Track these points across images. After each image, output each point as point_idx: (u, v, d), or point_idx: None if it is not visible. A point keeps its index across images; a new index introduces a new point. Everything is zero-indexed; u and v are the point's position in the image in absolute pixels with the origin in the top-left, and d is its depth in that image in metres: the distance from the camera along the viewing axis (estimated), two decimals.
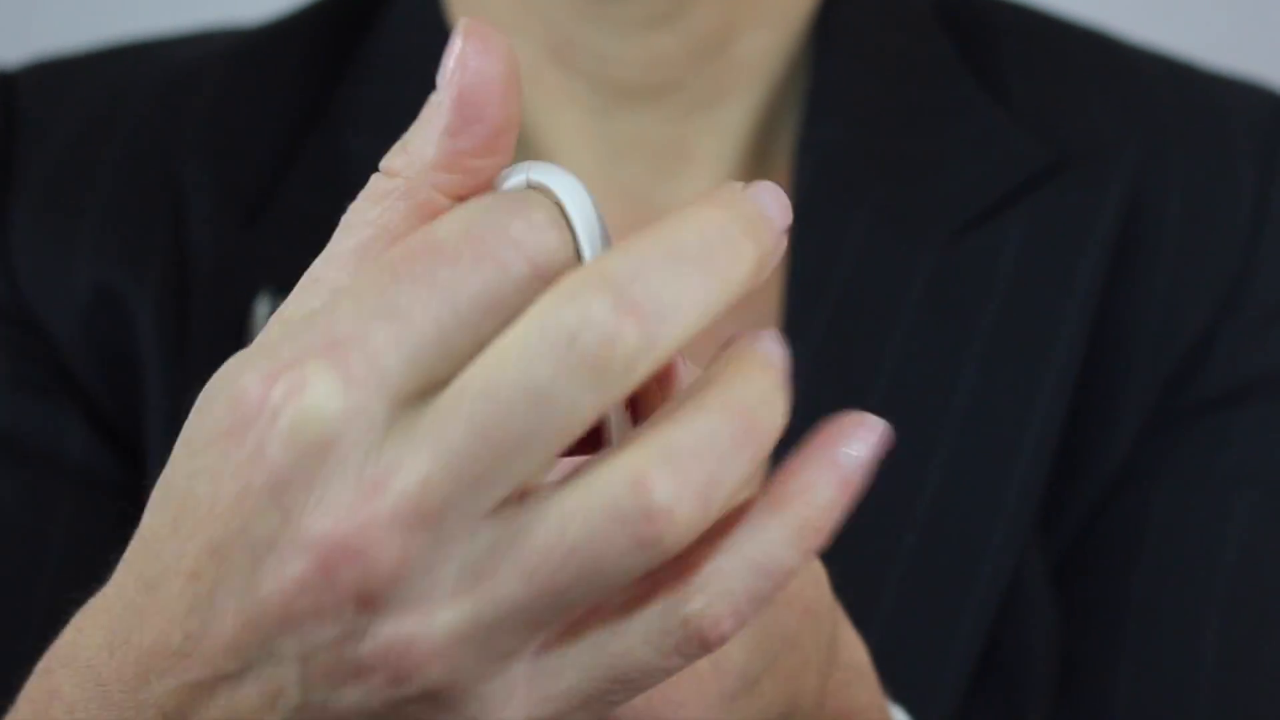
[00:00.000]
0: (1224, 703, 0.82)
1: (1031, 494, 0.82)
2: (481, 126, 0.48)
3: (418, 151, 0.48)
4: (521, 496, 0.44)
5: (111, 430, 0.84)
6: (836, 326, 0.82)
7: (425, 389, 0.44)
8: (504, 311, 0.44)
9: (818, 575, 0.56)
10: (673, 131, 0.87)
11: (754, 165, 0.88)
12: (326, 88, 0.89)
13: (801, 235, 0.84)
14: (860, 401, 0.81)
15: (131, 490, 0.82)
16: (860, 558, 0.79)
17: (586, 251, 0.47)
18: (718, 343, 0.84)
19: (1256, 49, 1.29)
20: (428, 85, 0.86)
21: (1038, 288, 0.84)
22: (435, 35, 0.88)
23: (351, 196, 0.85)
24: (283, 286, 0.84)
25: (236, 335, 0.82)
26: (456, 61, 0.48)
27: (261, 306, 0.83)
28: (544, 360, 0.43)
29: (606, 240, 0.48)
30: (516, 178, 0.49)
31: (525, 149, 0.88)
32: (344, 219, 0.50)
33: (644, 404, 0.49)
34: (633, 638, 0.46)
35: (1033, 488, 0.81)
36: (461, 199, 0.48)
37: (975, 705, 0.80)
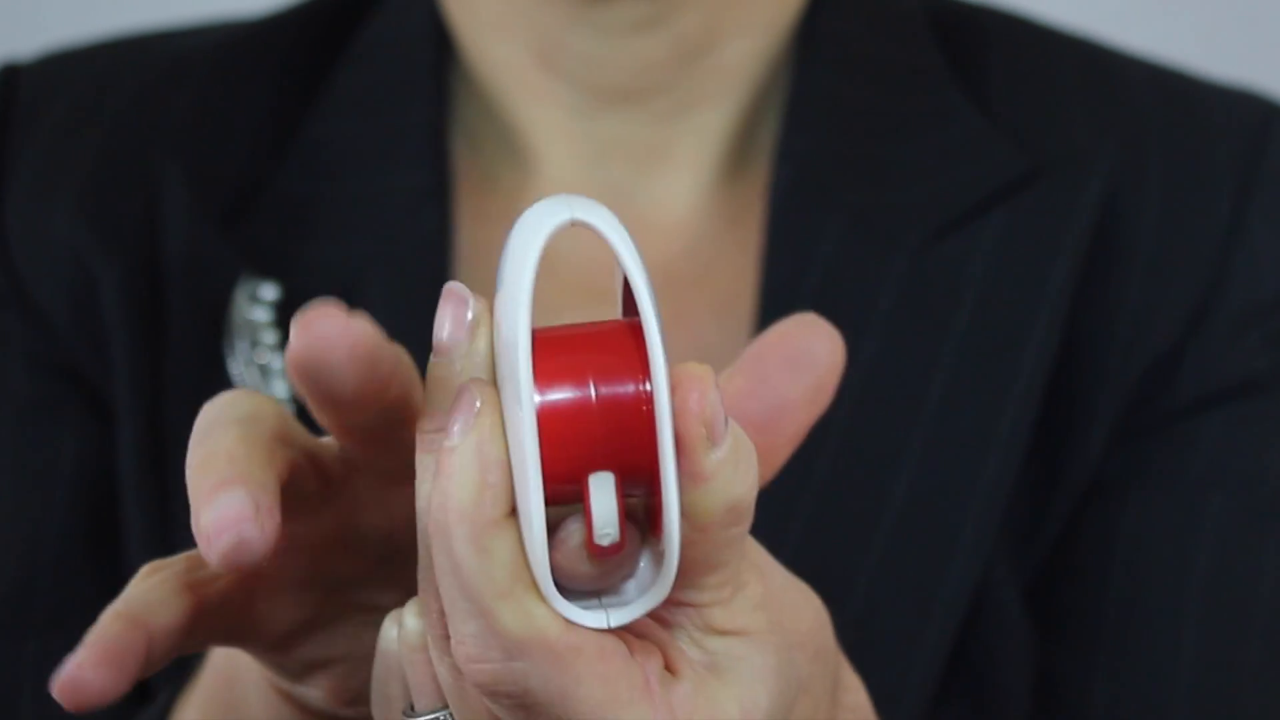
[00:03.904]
0: (1203, 707, 0.83)
1: (1000, 498, 0.82)
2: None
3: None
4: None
5: (97, 401, 0.87)
6: None
7: None
8: None
9: (824, 619, 0.57)
10: (654, 134, 0.88)
11: (733, 169, 0.89)
12: (318, 76, 0.90)
13: (776, 241, 0.85)
14: (831, 407, 0.82)
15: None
16: (829, 559, 0.80)
17: (640, 284, 0.48)
18: (697, 345, 0.85)
19: (1247, 49, 1.29)
20: (415, 68, 0.88)
21: (1009, 294, 0.84)
22: (427, 24, 0.89)
23: (340, 181, 0.87)
24: (268, 272, 0.86)
25: (215, 321, 0.85)
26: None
27: (242, 292, 0.85)
28: None
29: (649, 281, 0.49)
30: (561, 216, 0.50)
31: (510, 148, 0.90)
32: None
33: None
34: None
35: (1001, 492, 0.82)
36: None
37: (943, 712, 0.81)
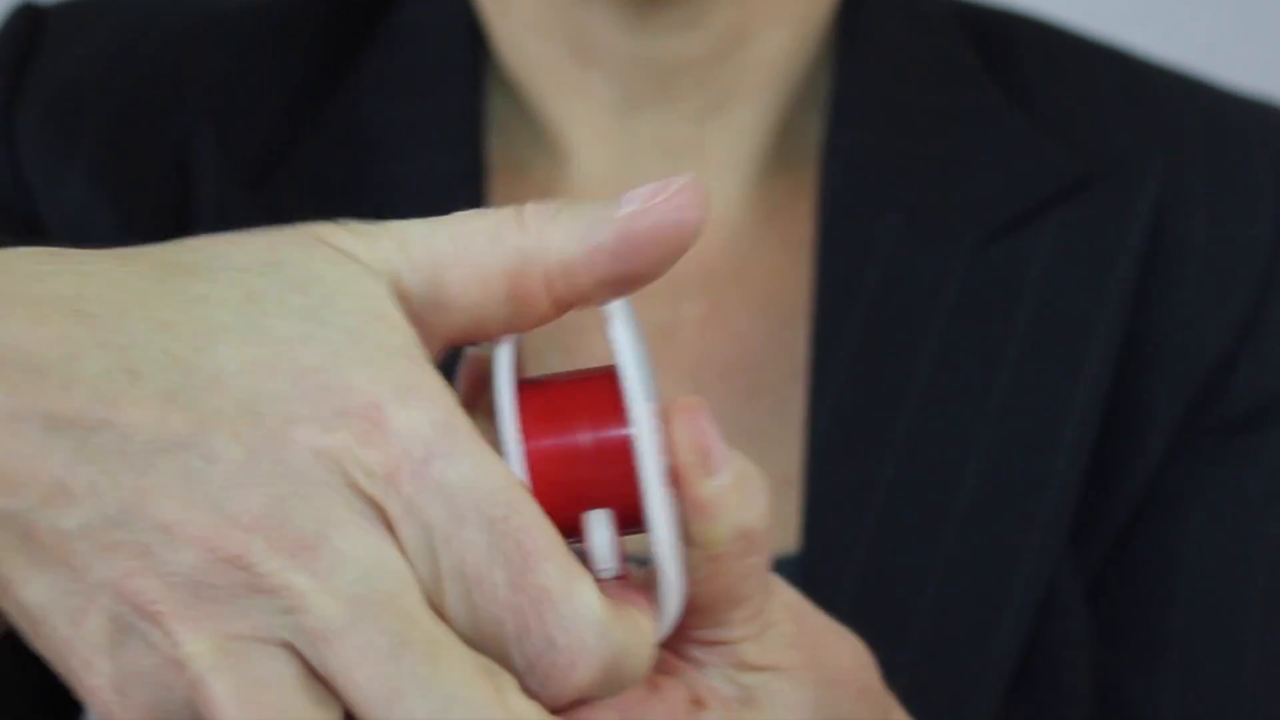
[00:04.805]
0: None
1: (1067, 500, 0.81)
2: (639, 269, 0.50)
3: (555, 236, 0.50)
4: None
5: None
6: (870, 330, 0.82)
7: None
8: None
9: (866, 660, 0.57)
10: (690, 131, 0.87)
11: (772, 167, 0.88)
12: (349, 53, 0.89)
13: (831, 238, 0.84)
14: (895, 407, 0.82)
15: None
16: (898, 564, 0.80)
17: (618, 324, 0.50)
18: (738, 340, 0.84)
19: (1246, 52, 1.30)
20: (448, 56, 0.87)
21: (1069, 297, 0.84)
22: (457, 16, 0.88)
23: (367, 160, 0.85)
24: None
25: None
26: (669, 201, 0.50)
27: None
28: None
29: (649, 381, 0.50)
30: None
31: (543, 142, 0.89)
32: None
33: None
34: None
35: (1068, 493, 0.81)
36: (561, 303, 0.50)
37: (1012, 713, 0.80)
